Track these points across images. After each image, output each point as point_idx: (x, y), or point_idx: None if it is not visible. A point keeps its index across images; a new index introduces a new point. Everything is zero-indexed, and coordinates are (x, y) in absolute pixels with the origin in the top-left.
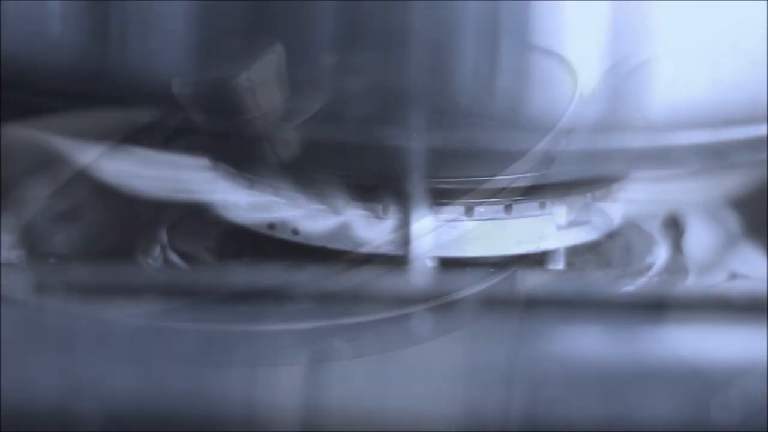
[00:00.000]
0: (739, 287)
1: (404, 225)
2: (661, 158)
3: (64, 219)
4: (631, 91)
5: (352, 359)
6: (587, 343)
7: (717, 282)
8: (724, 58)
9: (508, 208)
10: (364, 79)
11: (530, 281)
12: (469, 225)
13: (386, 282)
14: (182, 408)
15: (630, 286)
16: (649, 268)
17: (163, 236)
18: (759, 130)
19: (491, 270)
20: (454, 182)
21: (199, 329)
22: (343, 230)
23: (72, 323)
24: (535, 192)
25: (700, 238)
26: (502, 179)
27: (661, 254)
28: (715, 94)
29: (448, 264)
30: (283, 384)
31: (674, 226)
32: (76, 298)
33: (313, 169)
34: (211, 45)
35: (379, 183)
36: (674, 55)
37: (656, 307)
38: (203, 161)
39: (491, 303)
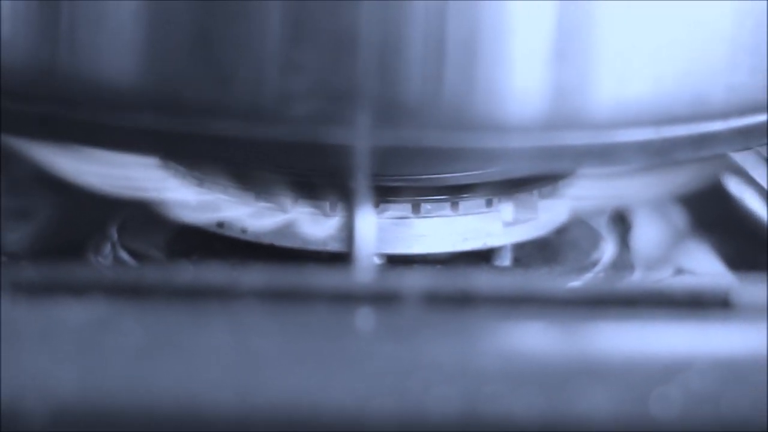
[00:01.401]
0: (681, 283)
1: (350, 222)
2: (606, 156)
3: (15, 217)
4: (575, 89)
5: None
6: (530, 339)
7: (662, 278)
8: (667, 56)
9: (454, 205)
10: (311, 77)
11: (475, 278)
12: (415, 222)
13: (331, 278)
14: (126, 404)
15: (575, 282)
16: (595, 264)
17: (114, 234)
18: (702, 128)
19: (437, 267)
20: (400, 180)
21: (144, 326)
22: (290, 228)
23: (18, 321)
24: (482, 189)
25: (646, 235)
26: (448, 177)
27: (607, 250)
28: (658, 91)
29: (394, 261)
30: (224, 379)
31: (621, 223)
32: (23, 296)
33: (260, 167)
34: (160, 44)
35: (325, 181)
36: (618, 52)
37: (599, 303)
38: (153, 160)
39: (436, 299)
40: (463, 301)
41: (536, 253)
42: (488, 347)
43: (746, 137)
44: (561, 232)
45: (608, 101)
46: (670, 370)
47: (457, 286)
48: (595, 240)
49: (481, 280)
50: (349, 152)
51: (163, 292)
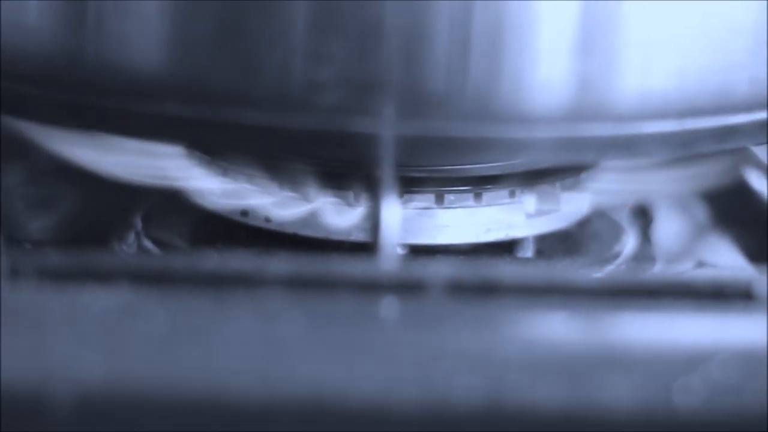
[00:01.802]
0: (703, 274)
1: (375, 212)
2: (629, 148)
3: (39, 206)
4: (599, 81)
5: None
6: (554, 329)
7: (684, 270)
8: (691, 48)
9: (477, 196)
10: (337, 67)
11: (499, 267)
12: (439, 213)
13: (356, 268)
14: (151, 391)
15: (597, 274)
16: (617, 256)
17: (138, 223)
18: (725, 120)
19: (460, 258)
20: (424, 170)
21: (169, 313)
22: (314, 217)
23: (45, 307)
24: (505, 181)
25: (668, 228)
26: (472, 168)
27: (629, 243)
28: (682, 84)
29: (418, 251)
30: (249, 366)
31: (642, 216)
32: (49, 283)
33: (285, 157)
34: (187, 32)
35: (350, 171)
36: (642, 45)
37: (622, 294)
38: (178, 149)
39: (460, 289)
40: (487, 290)
41: (558, 245)
42: (512, 336)
43: None
44: (583, 224)
45: (632, 93)
46: (693, 361)
47: (481, 276)
48: (617, 233)
49: (504, 269)
50: (375, 142)
51: (188, 279)
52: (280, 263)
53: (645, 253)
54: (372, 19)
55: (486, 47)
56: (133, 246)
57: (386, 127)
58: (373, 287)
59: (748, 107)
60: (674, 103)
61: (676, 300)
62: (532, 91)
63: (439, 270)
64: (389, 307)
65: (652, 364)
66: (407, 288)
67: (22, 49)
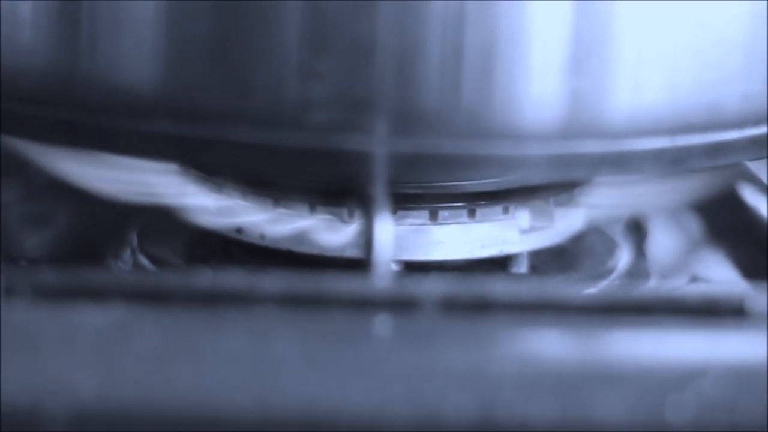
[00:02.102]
0: (696, 290)
1: (368, 229)
2: (621, 164)
3: (35, 223)
4: (591, 98)
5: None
6: (546, 346)
7: (678, 285)
8: (682, 65)
9: (471, 212)
10: (329, 84)
11: (492, 284)
12: (433, 229)
13: (349, 285)
14: (144, 409)
15: (591, 290)
16: (611, 271)
17: (134, 240)
18: (717, 137)
19: (454, 274)
20: (418, 187)
21: (163, 331)
22: (308, 234)
23: (39, 325)
24: (499, 197)
25: (662, 243)
26: (465, 184)
27: (623, 258)
28: (674, 100)
29: (412, 268)
30: (242, 384)
31: (636, 231)
32: (43, 301)
33: (278, 174)
34: (179, 50)
35: (343, 188)
36: (634, 61)
37: (615, 310)
38: (171, 166)
39: (453, 306)
40: (480, 307)
41: (552, 260)
42: (505, 353)
43: (761, 146)
44: (577, 239)
45: (624, 110)
46: (685, 377)
47: (474, 293)
48: (610, 248)
49: (497, 286)
50: (367, 159)
51: (182, 297)
52: (273, 281)
53: (639, 267)
54: (364, 37)
55: (478, 64)
56: (129, 263)
57: (379, 145)
58: (366, 305)
59: (741, 123)
60: (666, 119)
61: (669, 316)
62: (525, 108)
63: (432, 287)
64: (382, 324)
65: (645, 380)
66: (400, 305)
67: (16, 67)
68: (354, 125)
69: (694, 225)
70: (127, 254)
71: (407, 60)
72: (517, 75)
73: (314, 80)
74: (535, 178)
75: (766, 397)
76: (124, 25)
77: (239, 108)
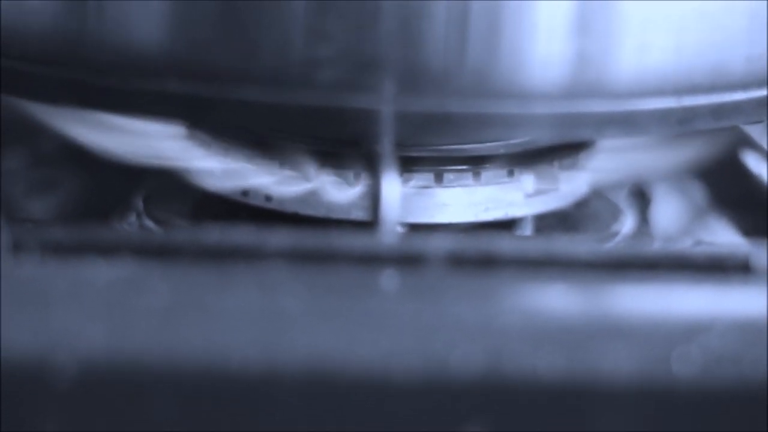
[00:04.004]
0: (702, 248)
1: (375, 190)
2: (627, 124)
3: (41, 188)
4: (597, 57)
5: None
6: (553, 300)
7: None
8: (688, 26)
9: (476, 175)
10: (335, 44)
11: (498, 240)
12: (438, 192)
13: (356, 241)
14: (153, 363)
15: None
16: (614, 236)
17: (139, 203)
18: (722, 98)
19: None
20: (423, 150)
21: (171, 286)
22: (315, 196)
23: (47, 280)
24: (504, 160)
25: (666, 209)
26: (471, 147)
27: (627, 223)
28: (679, 61)
29: (417, 230)
30: (250, 338)
31: (640, 197)
32: (51, 256)
33: (284, 134)
34: (187, 10)
35: (349, 149)
36: (640, 22)
37: (622, 266)
38: (178, 129)
39: (459, 261)
40: (486, 262)
41: (557, 224)
42: (511, 307)
43: (765, 108)
44: (581, 205)
45: (629, 70)
46: (691, 331)
47: (480, 249)
48: (615, 213)
49: (503, 242)
50: (374, 119)
51: (190, 252)
52: (281, 237)
53: (643, 233)
54: None
55: (484, 24)
56: (135, 226)
57: (385, 104)
58: (373, 260)
59: (745, 85)
60: (671, 80)
61: (675, 272)
62: (531, 68)
63: (439, 243)
64: (389, 279)
65: (651, 334)
66: (407, 261)
67: (23, 27)
68: (360, 84)
69: (698, 192)
70: (133, 217)
71: (413, 19)
72: (523, 34)
73: (321, 39)
74: (541, 138)
75: None
76: None
77: (246, 67)
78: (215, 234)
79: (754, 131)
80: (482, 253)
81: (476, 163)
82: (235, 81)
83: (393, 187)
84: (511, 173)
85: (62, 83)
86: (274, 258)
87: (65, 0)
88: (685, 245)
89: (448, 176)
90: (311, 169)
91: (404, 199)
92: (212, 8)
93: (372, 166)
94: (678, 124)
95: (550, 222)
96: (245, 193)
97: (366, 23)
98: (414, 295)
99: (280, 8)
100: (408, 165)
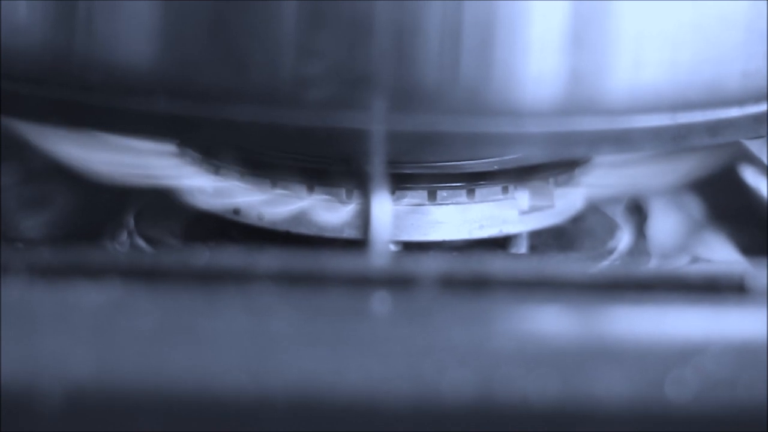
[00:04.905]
0: (697, 268)
1: (366, 209)
2: (621, 142)
3: (32, 205)
4: (591, 75)
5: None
6: (546, 322)
7: (679, 265)
8: (683, 42)
9: (470, 192)
10: (327, 62)
11: (491, 261)
12: (431, 209)
13: (346, 263)
14: (141, 386)
15: (589, 267)
16: (611, 252)
17: (130, 221)
18: (718, 114)
19: (453, 254)
20: (416, 167)
21: (160, 309)
22: (306, 215)
23: (35, 303)
24: (498, 177)
25: (663, 224)
26: (464, 164)
27: (623, 239)
28: (674, 77)
29: (410, 248)
30: (239, 362)
31: (637, 212)
32: (39, 279)
33: (275, 153)
34: (176, 28)
35: (341, 168)
36: (634, 38)
37: (615, 287)
38: (169, 148)
39: (451, 283)
40: (479, 284)
41: (552, 241)
42: (503, 330)
43: (762, 124)
44: (577, 220)
45: (624, 87)
46: (686, 354)
47: (473, 270)
48: (611, 229)
49: (495, 263)
50: (365, 137)
51: (179, 275)
52: (270, 258)
53: (640, 249)
54: (362, 14)
55: (477, 41)
56: (126, 244)
57: (377, 123)
58: (364, 282)
59: (741, 101)
60: (666, 96)
61: (670, 293)
62: (524, 86)
63: (430, 264)
64: (380, 301)
65: (645, 357)
66: (398, 282)
67: (12, 46)
68: (352, 103)
69: (695, 206)
70: (124, 236)
71: (406, 36)
72: (517, 52)
73: (312, 57)
74: (535, 155)
75: (767, 373)
76: (120, 4)
77: (236, 86)
78: (204, 256)
79: (753, 145)
80: (474, 275)
81: (470, 180)
82: (225, 100)
83: (384, 207)
84: (505, 190)
85: (51, 102)
86: (264, 280)
87: (54, 18)
88: (680, 264)
89: (441, 193)
90: (302, 187)
91: (398, 216)
92: (202, 27)
93: (363, 185)
94: (673, 141)
95: (545, 238)
96: (237, 211)
97: (357, 41)
98: (405, 318)
99: (270, 26)
100: (401, 182)
